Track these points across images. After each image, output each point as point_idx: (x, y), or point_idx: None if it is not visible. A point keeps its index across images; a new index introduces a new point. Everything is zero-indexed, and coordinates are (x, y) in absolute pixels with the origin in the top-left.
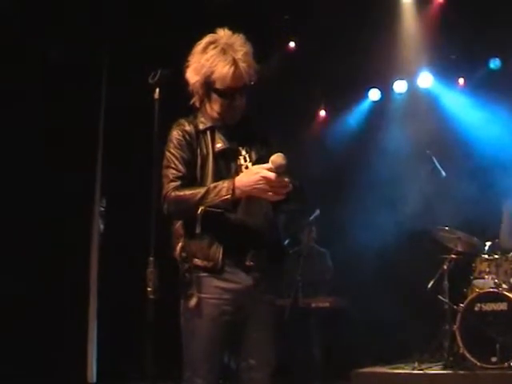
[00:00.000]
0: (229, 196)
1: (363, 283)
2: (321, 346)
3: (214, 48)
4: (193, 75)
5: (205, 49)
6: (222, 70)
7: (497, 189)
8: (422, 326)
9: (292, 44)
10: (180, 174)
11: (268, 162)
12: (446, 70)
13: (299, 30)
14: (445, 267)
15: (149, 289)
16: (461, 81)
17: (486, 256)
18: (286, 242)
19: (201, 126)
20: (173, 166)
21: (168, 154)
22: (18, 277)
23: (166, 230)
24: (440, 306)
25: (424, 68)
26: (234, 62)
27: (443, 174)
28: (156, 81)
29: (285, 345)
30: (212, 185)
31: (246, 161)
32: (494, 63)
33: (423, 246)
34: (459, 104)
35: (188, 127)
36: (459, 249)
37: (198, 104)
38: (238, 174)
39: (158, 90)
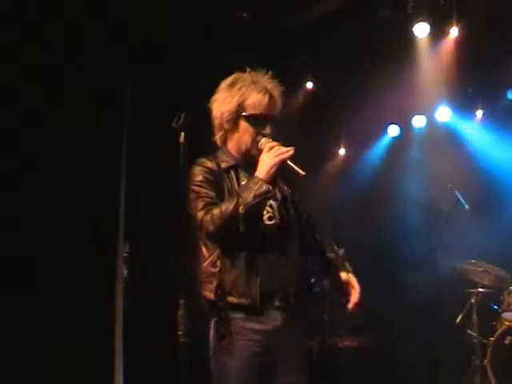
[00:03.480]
0: (261, 182)
1: (392, 320)
2: None
3: (243, 81)
4: (221, 106)
5: (233, 83)
6: (257, 95)
7: None
8: (453, 361)
9: (310, 84)
10: (210, 200)
11: (292, 200)
12: (463, 104)
13: (316, 70)
14: (472, 301)
15: (180, 332)
16: (479, 113)
17: None
18: (312, 280)
19: (223, 165)
20: (202, 195)
21: (194, 187)
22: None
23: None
24: (469, 340)
25: (442, 102)
26: (267, 90)
27: (466, 206)
28: (180, 124)
29: None
30: (238, 189)
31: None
32: None
33: (451, 280)
34: (478, 136)
35: (210, 164)
36: (486, 282)
37: (220, 142)
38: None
39: (183, 133)
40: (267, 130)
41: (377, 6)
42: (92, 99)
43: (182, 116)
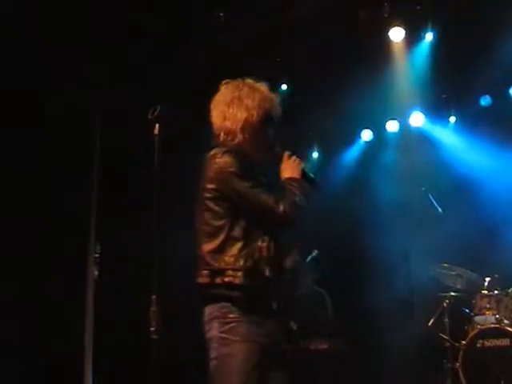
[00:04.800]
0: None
1: (364, 323)
2: None
3: (260, 88)
4: (242, 112)
5: (253, 89)
6: (275, 104)
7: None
8: (425, 365)
9: (284, 86)
10: (270, 189)
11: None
12: (437, 109)
13: (290, 72)
14: (445, 305)
15: (152, 328)
16: (452, 119)
17: (486, 292)
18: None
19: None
20: (263, 187)
21: (247, 178)
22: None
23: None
24: (441, 343)
25: (416, 108)
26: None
27: (439, 210)
28: (155, 116)
29: None
30: (287, 188)
31: None
32: (485, 100)
33: (423, 283)
34: (451, 142)
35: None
36: (458, 286)
37: (235, 144)
38: None
39: (157, 125)
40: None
41: (353, 10)
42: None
43: (158, 108)
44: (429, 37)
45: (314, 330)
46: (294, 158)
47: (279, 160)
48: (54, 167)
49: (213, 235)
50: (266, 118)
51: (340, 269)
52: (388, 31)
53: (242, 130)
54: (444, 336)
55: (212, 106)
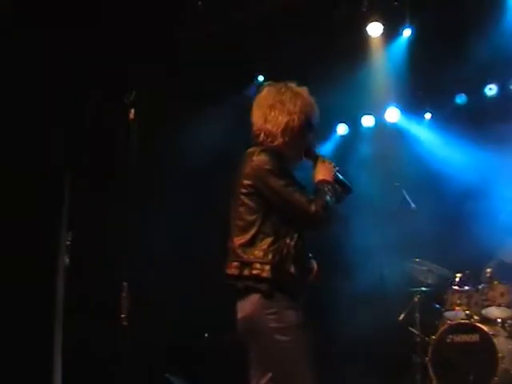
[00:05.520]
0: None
1: (334, 316)
2: None
3: (303, 93)
4: (285, 116)
5: (295, 94)
6: (316, 109)
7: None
8: (394, 359)
9: (261, 78)
10: (304, 190)
11: None
12: (413, 106)
13: (268, 64)
14: (416, 299)
15: (122, 315)
16: (427, 115)
17: (457, 287)
18: None
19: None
20: (296, 187)
21: (286, 177)
22: None
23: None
24: (412, 338)
25: (392, 103)
26: None
27: (413, 205)
28: (131, 101)
29: None
30: (319, 189)
31: None
32: (460, 98)
33: (395, 278)
34: (426, 138)
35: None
36: (430, 281)
37: (274, 146)
38: None
39: (133, 110)
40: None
41: (332, 4)
42: None
43: (133, 93)
44: (406, 33)
45: None
46: (328, 161)
47: (314, 163)
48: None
49: (245, 229)
50: (306, 123)
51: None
52: (366, 26)
53: (283, 133)
54: (414, 330)
55: (254, 106)
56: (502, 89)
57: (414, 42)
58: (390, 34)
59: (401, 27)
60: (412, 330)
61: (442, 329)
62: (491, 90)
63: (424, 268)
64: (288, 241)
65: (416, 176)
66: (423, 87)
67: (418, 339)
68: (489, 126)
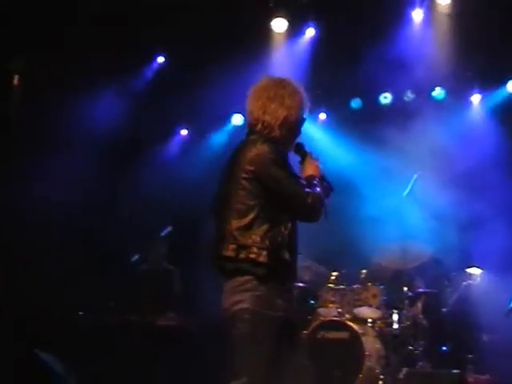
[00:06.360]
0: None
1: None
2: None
3: (300, 88)
4: (283, 110)
5: (295, 90)
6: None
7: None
8: None
9: (161, 59)
10: (302, 181)
11: None
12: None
13: (169, 46)
14: None
15: None
16: (322, 116)
17: (332, 285)
18: (134, 258)
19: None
20: (296, 179)
21: (286, 168)
22: None
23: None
24: None
25: None
26: None
27: None
28: (15, 66)
29: None
30: (313, 184)
31: None
32: (356, 103)
33: None
34: (319, 138)
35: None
36: (306, 277)
37: (270, 137)
38: None
39: (17, 76)
40: None
41: None
42: None
43: (17, 58)
44: (310, 32)
45: (161, 305)
46: (316, 158)
47: (302, 159)
48: None
49: (244, 213)
50: (301, 119)
51: (194, 247)
52: (271, 21)
53: (280, 126)
54: None
55: (252, 95)
56: (396, 99)
57: (316, 42)
58: (295, 30)
59: (305, 26)
60: None
61: (314, 324)
62: (386, 98)
63: (303, 264)
64: (282, 229)
65: None
66: (320, 87)
67: None
68: (378, 131)
